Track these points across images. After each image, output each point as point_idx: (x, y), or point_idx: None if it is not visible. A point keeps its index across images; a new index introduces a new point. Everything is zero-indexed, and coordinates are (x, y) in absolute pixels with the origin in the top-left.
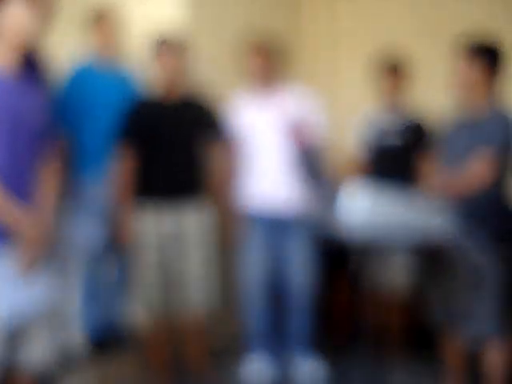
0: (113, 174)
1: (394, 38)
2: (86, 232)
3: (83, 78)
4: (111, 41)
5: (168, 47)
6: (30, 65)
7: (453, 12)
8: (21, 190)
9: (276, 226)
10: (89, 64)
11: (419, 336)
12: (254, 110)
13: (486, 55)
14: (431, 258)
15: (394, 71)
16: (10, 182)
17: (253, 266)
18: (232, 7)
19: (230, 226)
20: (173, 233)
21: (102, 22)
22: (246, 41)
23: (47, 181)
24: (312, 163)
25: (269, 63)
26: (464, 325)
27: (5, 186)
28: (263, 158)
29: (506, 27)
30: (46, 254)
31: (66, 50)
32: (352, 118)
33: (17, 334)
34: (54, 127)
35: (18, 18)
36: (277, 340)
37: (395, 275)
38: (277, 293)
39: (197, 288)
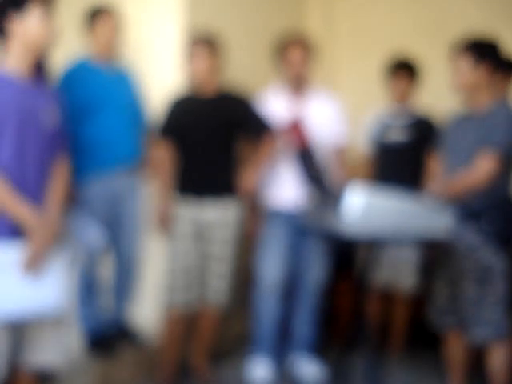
0: (150, 167)
1: (398, 38)
2: (86, 231)
3: (78, 76)
4: (110, 38)
5: (200, 47)
6: (39, 67)
7: (453, 12)
8: (29, 188)
9: (294, 225)
10: (85, 62)
11: (422, 335)
12: (282, 108)
13: (489, 54)
14: (436, 257)
15: (408, 71)
16: (19, 181)
17: (270, 266)
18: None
19: (253, 222)
20: (200, 228)
21: (100, 19)
22: (284, 36)
23: (56, 180)
24: (312, 162)
25: (308, 59)
26: (469, 325)
27: (14, 184)
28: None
29: (504, 27)
30: (54, 252)
31: (63, 51)
32: (361, 118)
33: (22, 333)
34: (64, 127)
35: (37, 27)
36: (280, 339)
37: (398, 274)
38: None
39: (217, 285)
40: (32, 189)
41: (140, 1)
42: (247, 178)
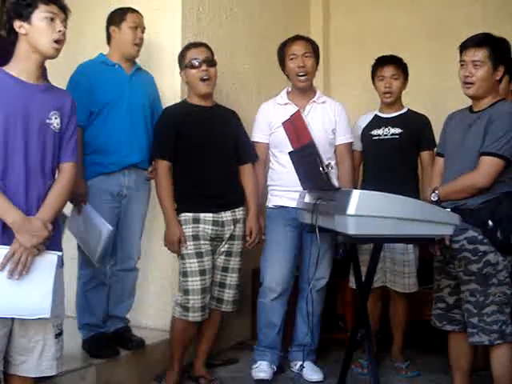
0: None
1: (397, 41)
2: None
3: (94, 71)
4: (131, 39)
5: (199, 50)
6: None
7: (453, 15)
8: (19, 192)
9: (298, 222)
10: (103, 59)
11: (427, 333)
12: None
13: (505, 57)
14: (441, 256)
15: (394, 65)
16: (15, 184)
17: (275, 272)
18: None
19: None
20: (215, 243)
21: (123, 19)
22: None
23: (57, 184)
24: (313, 156)
25: (311, 54)
26: (471, 333)
27: (6, 186)
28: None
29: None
30: (41, 256)
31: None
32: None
33: (15, 337)
34: (74, 130)
35: (42, 32)
36: (283, 340)
37: (397, 274)
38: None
39: (231, 290)
40: (23, 189)
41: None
42: (254, 221)
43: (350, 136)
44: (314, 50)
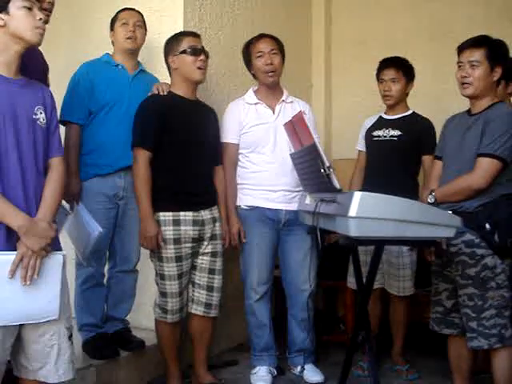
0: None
1: (398, 41)
2: (86, 229)
3: (96, 71)
4: (127, 37)
5: (192, 45)
6: (32, 67)
7: (452, 17)
8: (17, 188)
9: (277, 225)
10: (105, 58)
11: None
12: (258, 112)
13: (503, 58)
14: (439, 259)
15: (395, 67)
16: (11, 184)
17: (255, 272)
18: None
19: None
20: (196, 244)
21: (120, 18)
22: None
23: (50, 182)
24: (318, 157)
25: (277, 52)
26: (471, 337)
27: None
28: (264, 156)
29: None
30: (48, 258)
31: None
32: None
33: (28, 343)
34: (57, 126)
35: (18, 23)
36: (279, 343)
37: (393, 277)
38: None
39: (218, 293)
40: (21, 188)
41: (142, 5)
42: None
43: (317, 136)
44: (279, 47)
